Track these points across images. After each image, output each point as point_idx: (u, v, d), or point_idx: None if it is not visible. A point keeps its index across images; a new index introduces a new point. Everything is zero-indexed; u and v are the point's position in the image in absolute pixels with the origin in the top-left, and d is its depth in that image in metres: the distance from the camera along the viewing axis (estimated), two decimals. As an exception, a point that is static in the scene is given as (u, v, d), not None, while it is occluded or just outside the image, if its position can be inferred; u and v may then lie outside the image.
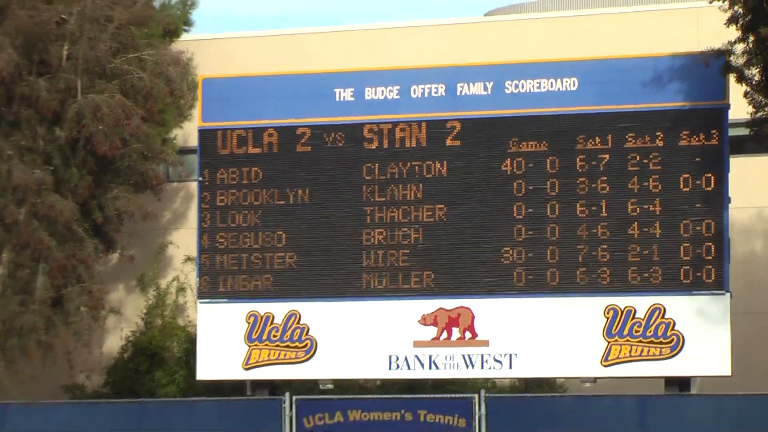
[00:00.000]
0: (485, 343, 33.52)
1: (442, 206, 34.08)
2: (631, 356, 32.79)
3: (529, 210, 33.32)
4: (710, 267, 31.71)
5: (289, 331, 35.42)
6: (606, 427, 32.38)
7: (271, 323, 35.41)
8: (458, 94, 34.44)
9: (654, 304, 32.06)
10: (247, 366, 35.32)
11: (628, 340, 32.70)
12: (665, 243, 32.21)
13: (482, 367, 33.79)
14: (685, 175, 31.99)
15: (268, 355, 35.45)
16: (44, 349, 42.03)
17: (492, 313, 33.61)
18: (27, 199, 40.23)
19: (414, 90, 34.80)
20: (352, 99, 35.29)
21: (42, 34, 40.86)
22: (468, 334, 33.96)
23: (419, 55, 41.44)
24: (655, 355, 32.47)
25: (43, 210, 40.31)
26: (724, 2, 30.55)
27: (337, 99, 35.20)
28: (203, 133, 35.95)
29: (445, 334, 34.19)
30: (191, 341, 39.73)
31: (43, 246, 40.14)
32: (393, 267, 34.24)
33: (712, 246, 31.72)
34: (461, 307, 33.81)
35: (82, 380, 44.60)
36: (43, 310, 41.23)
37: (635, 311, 32.36)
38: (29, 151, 41.15)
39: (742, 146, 38.03)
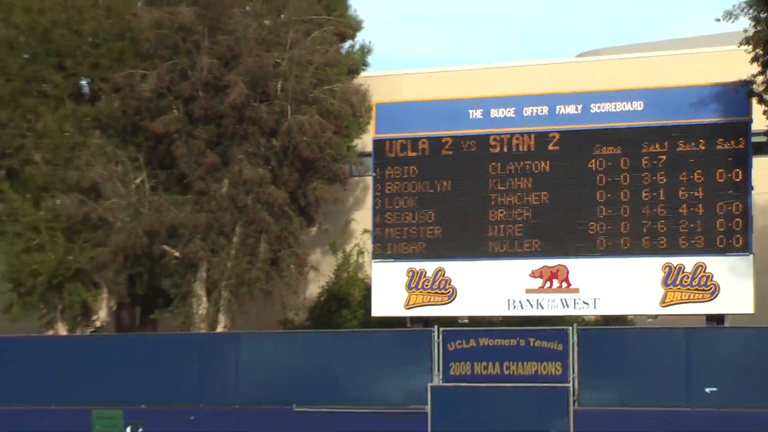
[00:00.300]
0: (576, 291, 36.06)
1: (546, 193, 36.55)
2: (681, 300, 35.37)
3: (608, 195, 35.94)
4: (738, 236, 34.39)
5: (437, 282, 38.07)
6: (662, 352, 34.58)
7: (424, 276, 38.04)
8: (557, 113, 36.97)
9: (698, 263, 34.71)
10: (407, 306, 38.19)
11: (679, 288, 35.22)
12: (706, 218, 34.94)
13: (574, 308, 36.46)
14: (720, 170, 34.77)
15: (422, 299, 38.04)
16: (265, 295, 44.55)
17: (581, 269, 36.09)
18: (253, 189, 42.83)
19: (525, 110, 37.43)
20: (481, 117, 37.86)
21: (263, 74, 43.04)
22: (564, 284, 36.42)
23: (529, 85, 43.50)
24: (698, 299, 35.07)
25: (263, 197, 42.93)
26: (748, 46, 33.15)
27: (470, 117, 37.82)
28: (376, 142, 39.02)
29: (548, 284, 36.72)
30: (368, 289, 41.52)
31: (264, 222, 42.81)
32: (511, 236, 36.87)
33: (740, 221, 34.46)
34: (559, 264, 36.30)
35: (292, 316, 47.56)
36: (264, 267, 43.82)
37: (684, 267, 35.01)
38: (254, 156, 43.45)
39: (762, 149, 39.44)
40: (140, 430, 30.40)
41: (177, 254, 42.47)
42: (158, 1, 43.54)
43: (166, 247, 42.51)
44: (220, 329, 42.78)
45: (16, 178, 44.29)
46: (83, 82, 45.42)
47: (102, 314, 44.70)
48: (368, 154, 41.34)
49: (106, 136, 43.29)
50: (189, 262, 42.74)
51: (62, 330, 44.37)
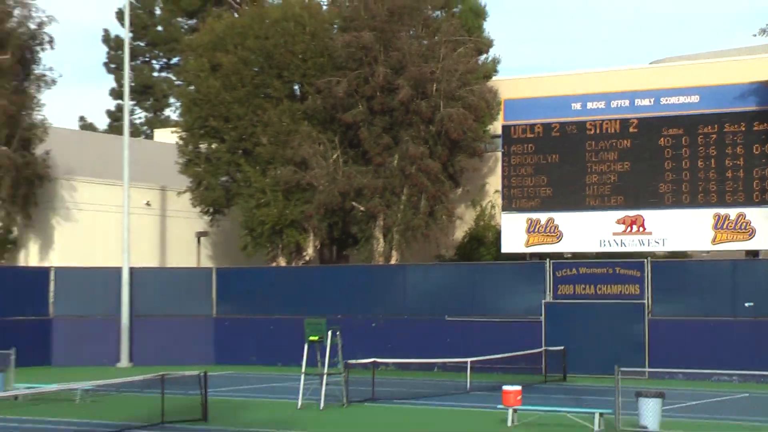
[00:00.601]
0: (650, 233, 39.18)
1: (628, 162, 39.64)
2: (726, 239, 38.18)
3: (673, 164, 38.84)
4: (769, 192, 37.32)
5: (548, 228, 41.03)
6: (713, 277, 37.32)
7: (539, 224, 41.11)
8: (635, 104, 40.08)
9: (739, 212, 37.52)
10: (527, 245, 41.40)
11: (725, 231, 38.04)
12: (745, 180, 37.86)
13: (648, 246, 39.34)
14: (756, 145, 37.62)
15: (537, 240, 41.17)
16: (424, 237, 46.70)
17: (653, 218, 39.09)
18: (416, 162, 44.83)
19: (612, 103, 40.70)
20: (580, 108, 41.23)
21: (423, 79, 44.71)
22: (641, 229, 39.34)
23: (614, 84, 45.00)
24: (739, 239, 37.94)
25: (423, 167, 44.71)
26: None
27: (572, 108, 41.27)
28: (504, 127, 42.42)
29: (629, 229, 39.69)
30: (498, 233, 44.31)
31: (424, 185, 44.90)
32: (602, 194, 40.05)
33: (773, 180, 37.49)
34: (637, 214, 39.25)
35: (443, 253, 49.85)
36: (423, 217, 45.61)
37: (729, 216, 37.80)
38: (416, 138, 45.02)
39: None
40: (338, 332, 30.02)
41: (362, 208, 45.23)
42: (348, 28, 46.18)
43: (354, 204, 45.27)
44: (392, 261, 45.74)
45: (250, 156, 47.32)
46: (295, 87, 48.08)
47: (310, 251, 47.67)
48: (498, 136, 44.61)
49: (312, 125, 46.01)
50: (370, 214, 45.38)
51: (282, 262, 47.52)
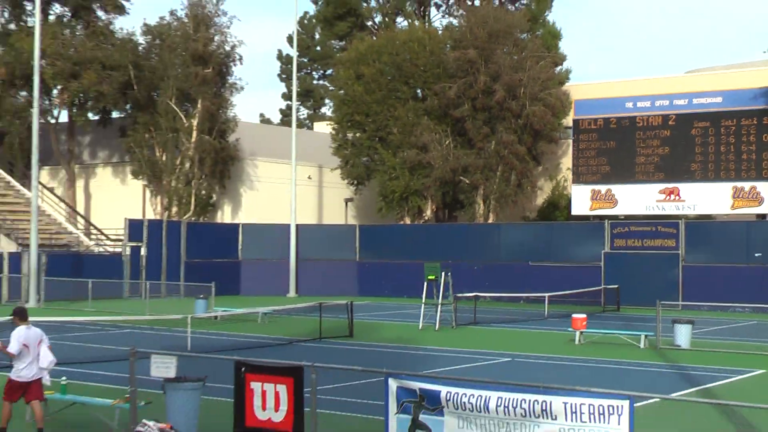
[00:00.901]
0: (684, 201, 40.48)
1: (668, 147, 40.54)
2: (742, 206, 39.25)
3: (701, 148, 39.88)
4: (776, 171, 37.78)
5: (607, 196, 41.90)
6: (731, 234, 37.99)
7: (600, 193, 42.04)
8: (673, 104, 40.87)
9: (752, 185, 38.72)
10: (590, 209, 42.37)
11: (741, 199, 39.10)
12: (757, 161, 38.80)
13: (682, 210, 40.59)
14: (765, 134, 38.45)
15: (599, 205, 42.24)
16: (514, 203, 48.03)
17: (687, 189, 40.18)
18: (507, 146, 45.88)
19: (656, 102, 41.52)
20: (632, 106, 41.88)
21: (513, 85, 45.52)
22: (677, 197, 40.59)
23: (657, 87, 45.05)
24: (752, 206, 39.04)
25: (513, 150, 45.77)
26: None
27: (625, 106, 42.02)
28: (575, 121, 43.36)
29: (668, 197, 40.88)
30: (569, 200, 45.17)
31: (513, 164, 46.26)
32: (648, 171, 41.20)
33: (779, 162, 37.80)
34: (674, 186, 40.52)
35: (528, 215, 50.63)
36: (513, 188, 46.96)
37: (744, 188, 39.01)
38: (508, 128, 46.15)
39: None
40: (449, 273, 30.31)
41: (467, 181, 46.55)
42: (457, 47, 46.98)
43: (461, 178, 46.66)
44: (489, 221, 46.85)
45: (384, 142, 48.81)
46: (418, 91, 49.08)
47: (428, 213, 49.21)
48: (570, 128, 45.67)
49: (430, 119, 47.43)
50: (473, 185, 46.82)
51: (407, 221, 48.76)
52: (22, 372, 13.22)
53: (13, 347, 13.10)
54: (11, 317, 13.59)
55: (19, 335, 13.21)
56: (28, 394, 13.27)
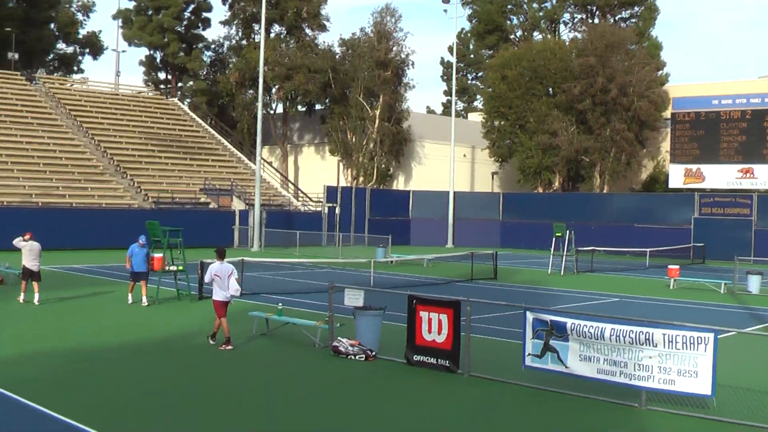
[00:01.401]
0: (757, 178, 43.94)
1: (744, 136, 43.85)
2: None
3: (751, 135, 42.80)
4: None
5: (697, 173, 44.62)
6: None
7: (691, 171, 44.79)
8: (750, 102, 44.04)
9: None
10: (683, 183, 44.98)
11: None
12: None
13: (755, 186, 43.73)
14: None
15: (690, 180, 44.66)
16: (623, 177, 50.04)
17: (759, 169, 43.47)
18: (619, 133, 47.69)
19: (736, 100, 44.33)
20: (717, 103, 44.45)
21: (625, 85, 47.08)
22: (751, 175, 44.06)
23: (736, 89, 46.95)
24: None
25: (623, 136, 47.41)
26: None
27: (712, 103, 45.03)
28: (672, 114, 46.38)
29: (744, 174, 44.08)
30: (666, 176, 46.77)
31: (623, 147, 48.50)
32: (729, 154, 44.28)
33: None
34: (750, 167, 44.08)
35: (634, 187, 51.49)
36: (623, 165, 48.77)
37: None
38: (621, 119, 48.13)
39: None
40: (572, 231, 31.04)
41: (587, 160, 50.28)
42: (581, 55, 50.05)
43: (582, 157, 50.39)
44: (604, 191, 49.86)
45: (523, 128, 52.30)
46: (549, 89, 52.50)
47: (556, 184, 53.05)
48: (669, 119, 48.62)
49: (559, 111, 51.14)
50: (592, 163, 50.45)
51: (540, 190, 52.35)
52: (216, 295, 14.30)
53: (206, 277, 14.56)
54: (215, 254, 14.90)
55: (212, 269, 14.38)
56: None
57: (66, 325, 16.75)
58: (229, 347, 14.30)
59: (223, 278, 14.20)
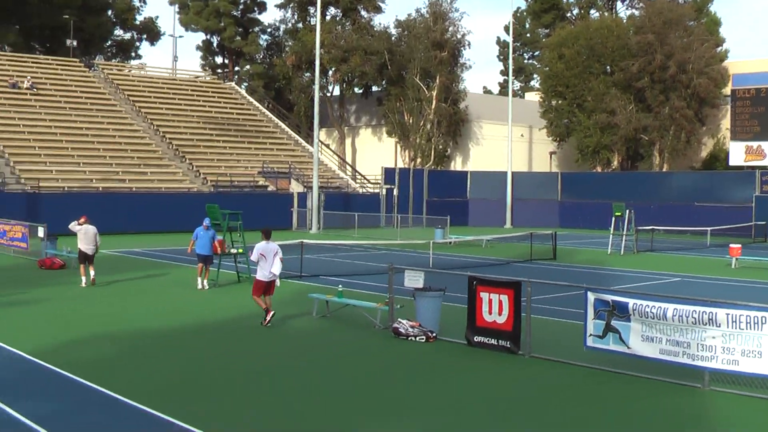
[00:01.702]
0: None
1: None
2: None
3: None
4: None
5: (758, 150, 44.49)
6: None
7: (752, 148, 44.84)
8: None
9: None
10: (744, 161, 45.20)
11: None
12: None
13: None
14: None
15: (751, 158, 45.11)
16: (683, 155, 49.75)
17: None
18: (678, 111, 47.78)
19: None
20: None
21: (684, 62, 47.02)
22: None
23: None
24: None
25: (682, 113, 47.25)
26: None
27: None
28: (732, 91, 46.76)
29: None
30: (727, 153, 47.16)
31: (683, 125, 48.25)
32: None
33: None
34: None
35: (694, 165, 51.14)
36: (682, 144, 48.60)
37: None
38: (679, 97, 47.93)
39: None
40: (632, 211, 30.74)
41: (646, 138, 50.26)
42: (639, 32, 49.82)
43: (641, 136, 49.70)
44: (664, 170, 49.87)
45: (581, 107, 52.54)
46: (607, 67, 52.56)
47: (615, 163, 53.16)
48: (728, 96, 48.63)
49: (617, 89, 51.21)
50: (651, 142, 50.78)
51: (599, 169, 51.81)
52: (260, 275, 14.61)
53: (253, 256, 14.73)
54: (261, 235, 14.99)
55: (259, 247, 14.60)
56: (266, 291, 14.70)
57: (129, 307, 17.04)
58: (268, 320, 14.65)
59: (269, 257, 14.44)
